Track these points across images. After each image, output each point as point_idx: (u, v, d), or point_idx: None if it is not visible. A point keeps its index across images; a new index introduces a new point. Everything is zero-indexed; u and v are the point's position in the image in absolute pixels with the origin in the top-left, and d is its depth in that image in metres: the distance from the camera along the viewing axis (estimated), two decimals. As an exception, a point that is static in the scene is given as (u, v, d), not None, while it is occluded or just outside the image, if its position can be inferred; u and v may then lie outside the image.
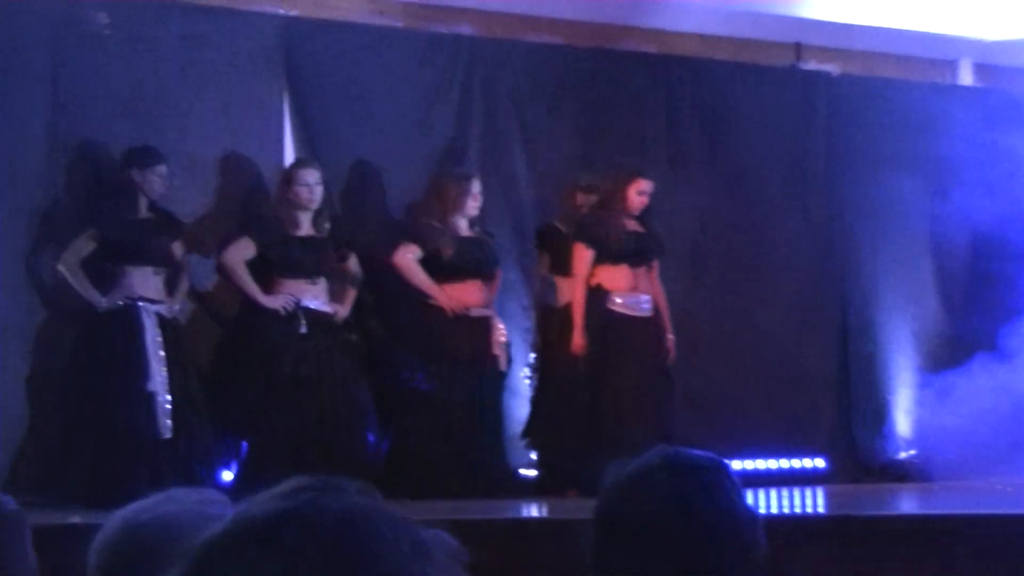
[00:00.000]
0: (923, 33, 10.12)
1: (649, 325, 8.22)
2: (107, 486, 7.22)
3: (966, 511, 6.12)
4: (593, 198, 8.50)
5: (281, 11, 8.45)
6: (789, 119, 9.80)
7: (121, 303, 7.49)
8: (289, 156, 8.33)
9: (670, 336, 8.31)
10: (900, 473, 9.44)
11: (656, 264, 8.38)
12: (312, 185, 7.81)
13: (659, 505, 2.18)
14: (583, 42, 9.35)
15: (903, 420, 9.81)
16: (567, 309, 8.27)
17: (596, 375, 8.09)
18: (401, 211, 8.56)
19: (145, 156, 7.62)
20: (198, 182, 8.07)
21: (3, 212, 7.57)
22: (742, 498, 2.24)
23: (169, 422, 7.42)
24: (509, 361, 8.35)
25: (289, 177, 7.85)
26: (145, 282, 7.55)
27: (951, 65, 10.69)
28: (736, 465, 9.14)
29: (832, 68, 10.09)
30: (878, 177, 9.94)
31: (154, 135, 7.89)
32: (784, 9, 9.72)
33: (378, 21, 8.79)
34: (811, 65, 10.07)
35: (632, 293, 8.20)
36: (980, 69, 10.70)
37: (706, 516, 2.18)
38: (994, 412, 9.73)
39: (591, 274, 8.16)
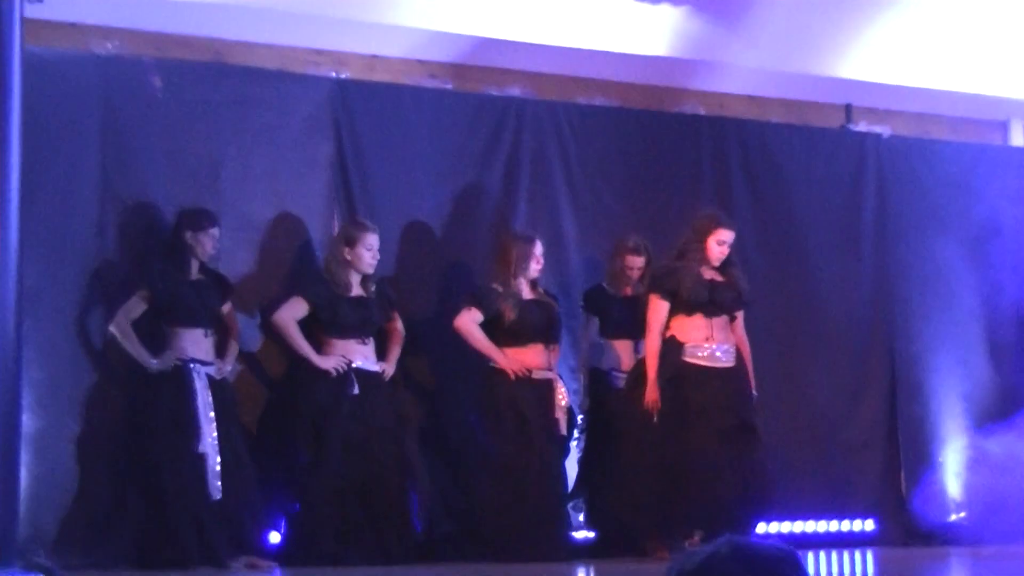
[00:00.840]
0: (974, 95, 10.11)
1: (729, 376, 8.04)
2: (157, 547, 7.29)
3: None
4: (640, 260, 8.52)
5: (333, 74, 8.50)
6: (839, 180, 9.78)
7: (172, 365, 7.53)
8: (337, 217, 8.35)
9: (754, 392, 8.19)
10: (949, 537, 9.36)
11: (740, 316, 8.25)
12: (375, 250, 7.89)
13: (728, 597, 2.15)
14: (634, 104, 9.37)
15: (953, 483, 9.74)
16: (628, 368, 8.33)
17: (672, 431, 7.91)
18: (452, 272, 8.56)
19: (199, 218, 7.69)
20: (246, 242, 8.10)
21: (53, 270, 7.60)
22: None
23: (219, 483, 7.43)
24: (570, 424, 8.31)
25: (352, 239, 7.88)
26: (196, 343, 7.59)
27: (1002, 126, 10.66)
28: (785, 527, 9.09)
29: (883, 129, 10.07)
30: (929, 239, 9.91)
31: (205, 196, 7.94)
32: (835, 71, 9.73)
33: (428, 83, 8.83)
34: (862, 126, 10.06)
35: (708, 343, 8.06)
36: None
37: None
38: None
39: (667, 327, 8.06)
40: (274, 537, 7.78)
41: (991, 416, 9.64)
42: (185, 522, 7.33)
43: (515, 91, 9.02)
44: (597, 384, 8.52)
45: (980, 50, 9.96)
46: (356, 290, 7.90)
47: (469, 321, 8.08)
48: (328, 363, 7.74)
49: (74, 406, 7.60)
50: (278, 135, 8.21)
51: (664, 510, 7.81)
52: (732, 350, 8.09)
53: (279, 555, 7.69)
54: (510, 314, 8.06)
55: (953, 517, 9.62)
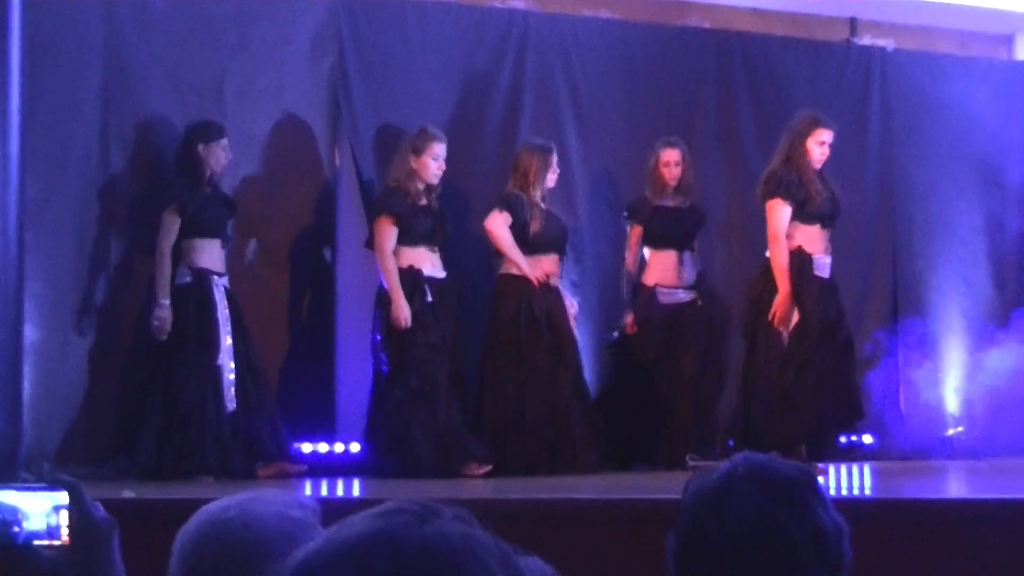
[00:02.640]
0: (978, 8, 10.04)
1: (835, 290, 7.93)
2: (176, 459, 7.34)
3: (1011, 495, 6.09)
4: (676, 153, 8.41)
5: (335, -12, 8.44)
6: (843, 95, 9.72)
7: (190, 278, 7.56)
8: (341, 132, 8.31)
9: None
10: (948, 452, 9.40)
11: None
12: (441, 159, 7.83)
13: (743, 518, 2.15)
14: (638, 17, 9.31)
15: (951, 398, 9.77)
16: (674, 283, 8.32)
17: (795, 344, 7.70)
18: (455, 185, 8.52)
19: (209, 130, 7.70)
20: (248, 157, 8.09)
21: (55, 182, 7.59)
22: (828, 511, 2.21)
23: (232, 393, 7.50)
24: None
25: (419, 148, 7.79)
26: (213, 255, 7.64)
27: (1007, 40, 10.60)
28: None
29: (887, 43, 10.00)
30: (933, 154, 9.88)
31: (207, 111, 7.93)
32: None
33: (431, -3, 8.77)
34: (866, 40, 9.99)
35: (826, 255, 7.90)
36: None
37: (791, 531, 2.15)
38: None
39: (790, 238, 7.79)
40: (354, 447, 7.97)
41: (991, 335, 9.64)
42: (204, 434, 7.39)
43: (519, 4, 8.95)
44: (642, 299, 8.43)
45: (986, -38, 9.88)
46: (423, 199, 7.85)
47: (501, 223, 8.01)
48: (402, 311, 7.65)
49: (78, 318, 7.61)
50: (281, 50, 8.18)
51: (768, 423, 7.70)
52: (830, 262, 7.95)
53: (354, 464, 7.83)
54: (536, 224, 8.01)
55: (951, 432, 9.65)
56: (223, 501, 2.30)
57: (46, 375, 7.45)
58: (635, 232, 8.50)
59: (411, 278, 7.75)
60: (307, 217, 8.26)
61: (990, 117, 9.86)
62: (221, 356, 7.52)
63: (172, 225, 7.56)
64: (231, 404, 7.49)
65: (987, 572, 4.92)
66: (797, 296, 7.60)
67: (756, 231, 8.98)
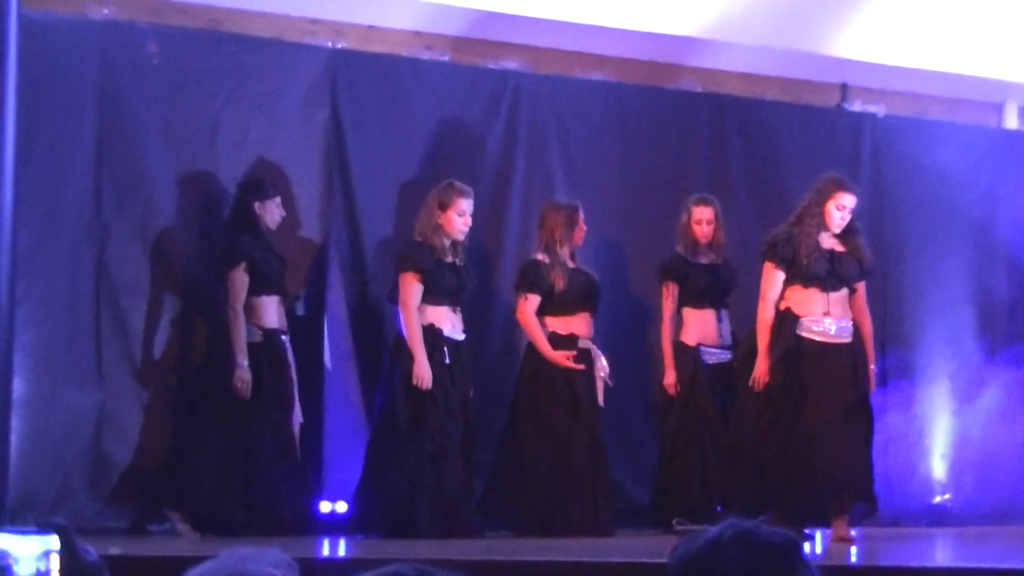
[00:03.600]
0: (969, 76, 10.12)
1: (846, 353, 7.56)
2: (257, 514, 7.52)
3: (996, 565, 6.09)
4: (708, 211, 8.41)
5: (330, 44, 8.48)
6: (834, 159, 9.75)
7: (261, 337, 7.69)
8: (333, 187, 8.33)
9: (872, 366, 7.78)
10: (934, 518, 9.39)
11: (861, 288, 7.75)
12: (467, 215, 7.77)
13: (730, 583, 2.15)
14: (631, 79, 9.37)
15: (938, 464, 9.77)
16: (714, 341, 8.28)
17: (786, 409, 7.49)
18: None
19: (263, 187, 7.83)
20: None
21: (48, 232, 7.60)
22: (812, 576, 2.20)
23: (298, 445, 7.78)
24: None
25: (445, 203, 7.72)
26: (276, 312, 7.78)
27: (997, 108, 10.67)
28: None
29: (878, 109, 10.07)
30: (923, 219, 9.92)
31: (199, 163, 7.96)
32: (831, 49, 9.73)
33: (425, 55, 8.81)
34: (857, 106, 10.06)
35: (824, 318, 7.56)
36: (1027, 113, 10.70)
37: (775, 598, 2.15)
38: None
39: (781, 297, 7.61)
40: (340, 507, 7.94)
41: (980, 402, 9.65)
42: (281, 488, 7.62)
43: (512, 65, 9.00)
44: (686, 359, 8.36)
45: (976, 31, 9.96)
46: (449, 256, 7.77)
47: (530, 313, 8.02)
48: (424, 372, 7.58)
49: (68, 372, 7.60)
50: (274, 104, 8.21)
51: (778, 492, 7.47)
52: (850, 326, 7.61)
53: (345, 525, 7.82)
54: (560, 283, 8.01)
55: (938, 499, 9.65)
56: (210, 564, 2.28)
57: (33, 427, 7.44)
58: (669, 290, 8.43)
59: (431, 337, 7.66)
60: (298, 269, 8.27)
61: (979, 183, 9.93)
62: (296, 414, 7.73)
63: (243, 283, 7.63)
64: (298, 455, 7.75)
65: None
66: (777, 356, 7.49)
67: (747, 291, 8.99)
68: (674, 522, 8.05)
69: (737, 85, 9.78)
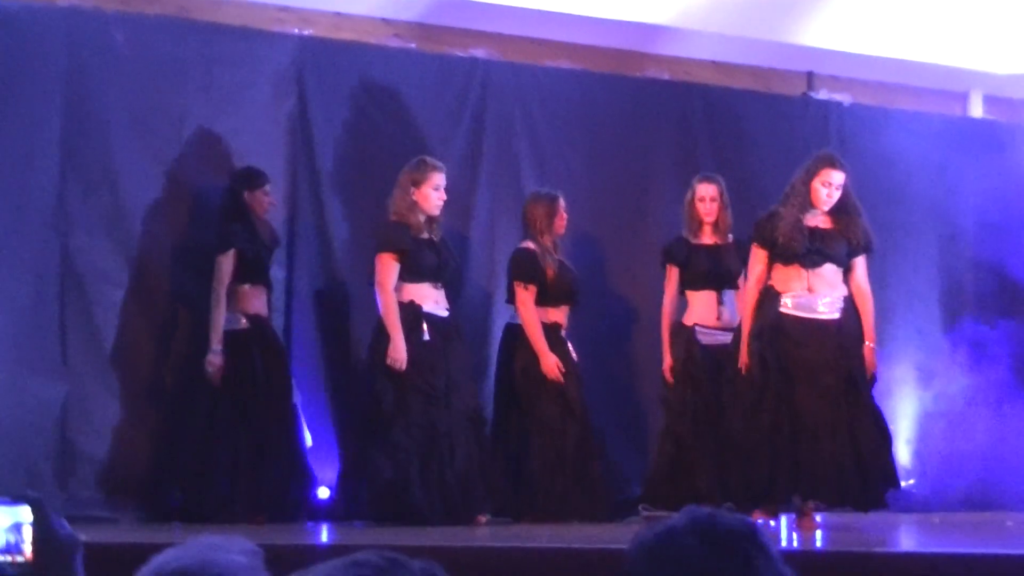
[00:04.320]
0: (934, 65, 10.17)
1: (833, 330, 7.38)
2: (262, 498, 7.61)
3: (962, 549, 6.14)
4: (712, 188, 8.26)
5: (298, 31, 8.48)
6: (800, 147, 9.78)
7: (246, 323, 7.74)
8: (300, 176, 8.33)
9: (868, 344, 7.51)
10: (900, 504, 9.44)
11: (860, 264, 7.58)
12: (442, 189, 7.66)
13: (686, 571, 2.18)
14: (599, 68, 9.39)
15: (904, 450, 9.82)
16: (714, 324, 8.12)
17: (771, 389, 7.31)
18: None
19: (254, 177, 7.84)
20: (211, 201, 8.09)
21: (15, 230, 7.58)
22: (774, 564, 2.22)
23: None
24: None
25: (419, 179, 7.62)
26: (262, 300, 7.85)
27: (962, 97, 10.73)
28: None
29: (843, 98, 10.12)
30: (889, 207, 9.96)
31: (167, 152, 7.95)
32: (797, 38, 9.77)
33: (393, 43, 8.81)
34: (823, 94, 10.10)
35: (806, 293, 7.40)
36: (990, 101, 10.75)
37: (733, 584, 2.18)
38: (998, 445, 9.77)
39: (768, 277, 7.48)
40: (323, 492, 7.94)
41: (946, 388, 9.71)
42: (296, 474, 7.72)
43: (480, 53, 9.01)
44: (681, 340, 8.21)
45: (941, 20, 10.00)
46: (425, 233, 7.66)
47: (531, 306, 8.01)
48: (400, 353, 7.45)
49: (34, 362, 7.59)
50: (242, 93, 8.21)
51: (768, 476, 7.30)
52: (839, 302, 7.44)
53: (331, 511, 7.83)
54: (551, 271, 8.02)
55: (903, 484, 9.69)
56: (175, 551, 2.30)
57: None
58: (672, 274, 8.29)
59: (411, 315, 7.55)
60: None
61: (944, 171, 9.98)
62: (296, 395, 7.83)
63: (228, 269, 7.67)
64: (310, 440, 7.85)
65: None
66: (756, 334, 7.38)
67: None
68: (640, 508, 8.07)
69: (704, 73, 9.81)
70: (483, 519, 7.52)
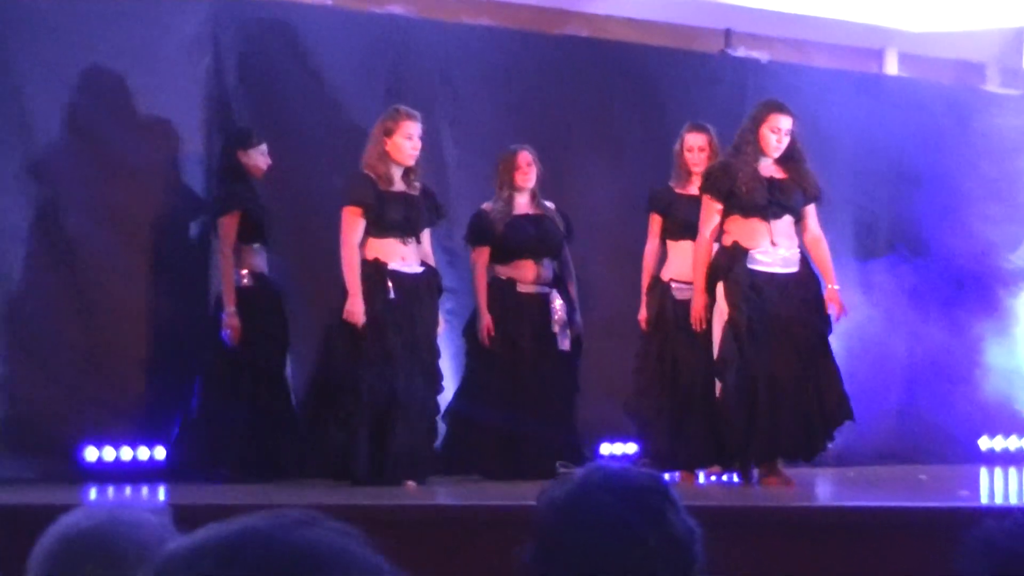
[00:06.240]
0: (850, 23, 10.24)
1: (797, 283, 7.33)
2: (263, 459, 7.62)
3: (877, 503, 6.23)
4: (701, 137, 8.12)
5: (213, -11, 8.40)
6: (719, 105, 9.83)
7: (250, 281, 7.79)
8: (215, 135, 8.26)
9: (833, 286, 7.46)
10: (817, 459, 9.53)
11: (812, 211, 7.58)
12: (415, 139, 7.43)
13: (596, 525, 2.20)
14: (518, 25, 9.37)
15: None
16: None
17: (746, 345, 7.20)
18: (334, 188, 8.50)
19: (248, 137, 7.87)
20: (127, 158, 8.01)
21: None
22: (681, 515, 2.26)
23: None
24: (578, 341, 8.20)
25: (390, 129, 7.41)
26: (263, 259, 7.90)
27: (877, 55, 10.81)
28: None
29: (761, 55, 10.16)
30: (809, 164, 10.01)
31: (82, 112, 7.86)
32: (715, -6, 9.80)
33: (310, 0, 8.75)
34: (740, 52, 10.14)
35: (772, 248, 7.34)
36: (905, 59, 10.84)
37: (644, 537, 2.20)
38: (910, 400, 9.90)
39: (724, 231, 7.37)
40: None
41: (859, 345, 9.80)
42: (287, 432, 7.68)
43: (397, 9, 8.96)
44: (656, 294, 8.07)
45: (858, -22, 10.08)
46: (399, 185, 7.47)
47: (480, 267, 8.05)
48: (356, 308, 7.28)
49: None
50: (156, 52, 8.11)
51: (736, 432, 7.27)
52: (796, 255, 7.42)
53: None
54: (499, 228, 8.02)
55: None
56: (84, 509, 2.29)
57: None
58: (655, 221, 8.16)
59: (375, 271, 7.37)
60: (183, 217, 8.20)
61: (860, 129, 10.05)
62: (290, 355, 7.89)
63: (232, 229, 7.68)
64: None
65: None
66: (726, 294, 7.26)
67: (633, 239, 9.05)
68: (558, 464, 8.09)
69: (622, 31, 9.82)
70: (412, 485, 7.39)
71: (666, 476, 7.70)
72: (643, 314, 8.04)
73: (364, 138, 8.32)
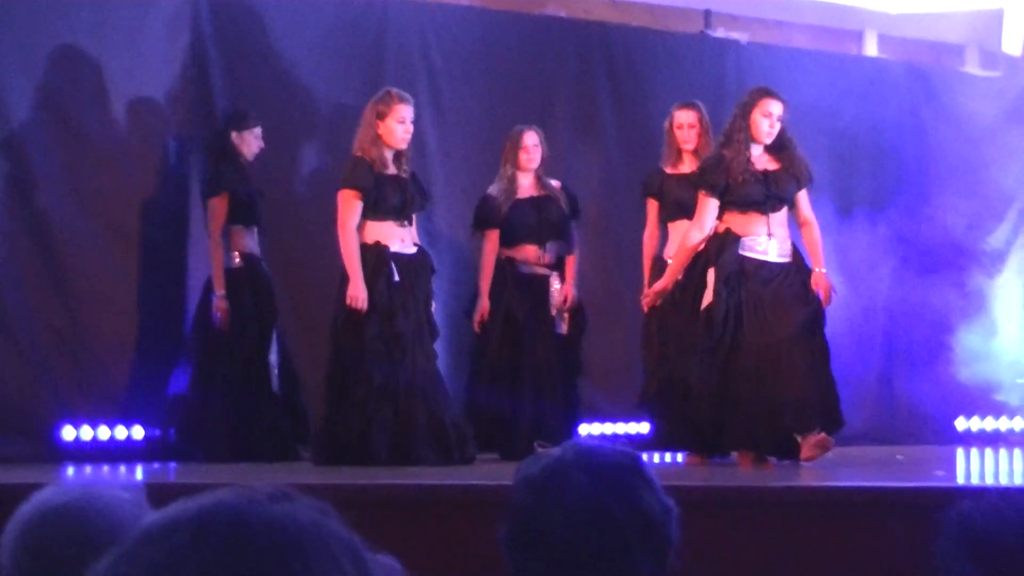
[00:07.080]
0: (830, 4, 10.24)
1: (789, 272, 7.25)
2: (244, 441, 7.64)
3: (855, 484, 6.25)
4: (691, 114, 8.03)
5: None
6: (698, 86, 9.82)
7: (240, 262, 7.80)
8: (194, 117, 8.23)
9: (821, 269, 7.33)
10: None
11: (803, 196, 7.45)
12: (408, 123, 7.40)
13: (570, 503, 2.20)
14: (498, 5, 9.36)
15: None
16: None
17: (734, 332, 7.12)
18: (316, 168, 8.49)
19: (242, 118, 7.85)
20: (104, 141, 7.98)
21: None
22: (656, 494, 2.26)
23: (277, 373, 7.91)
24: (582, 324, 8.21)
25: (382, 112, 7.36)
26: (253, 241, 7.90)
27: (857, 36, 10.82)
28: (619, 429, 9.16)
29: (741, 36, 10.16)
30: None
31: (62, 93, 7.83)
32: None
33: (290, -20, 8.72)
34: (720, 33, 10.14)
35: (768, 239, 7.25)
36: (884, 40, 10.85)
37: (618, 515, 2.20)
38: (887, 381, 9.93)
39: (720, 221, 7.27)
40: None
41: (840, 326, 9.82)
42: (268, 415, 7.74)
43: (377, -10, 8.94)
44: (658, 275, 7.91)
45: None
46: (392, 168, 7.43)
47: (488, 252, 8.06)
48: (359, 293, 7.23)
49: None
50: (135, 32, 8.08)
51: (729, 416, 7.20)
52: (789, 246, 7.32)
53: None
54: (502, 210, 8.02)
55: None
56: (57, 487, 2.29)
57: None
58: (651, 206, 8.13)
59: (377, 255, 7.33)
60: (161, 198, 8.18)
61: (840, 110, 10.06)
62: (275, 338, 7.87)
63: (222, 211, 7.70)
64: (276, 385, 7.86)
65: (823, 561, 5.04)
66: (713, 280, 7.19)
67: (614, 220, 9.07)
68: (536, 444, 8.09)
69: (602, 11, 9.81)
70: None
71: (679, 457, 7.88)
72: (646, 298, 7.89)
73: (342, 117, 8.33)
